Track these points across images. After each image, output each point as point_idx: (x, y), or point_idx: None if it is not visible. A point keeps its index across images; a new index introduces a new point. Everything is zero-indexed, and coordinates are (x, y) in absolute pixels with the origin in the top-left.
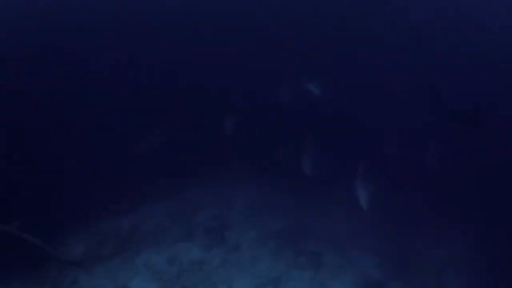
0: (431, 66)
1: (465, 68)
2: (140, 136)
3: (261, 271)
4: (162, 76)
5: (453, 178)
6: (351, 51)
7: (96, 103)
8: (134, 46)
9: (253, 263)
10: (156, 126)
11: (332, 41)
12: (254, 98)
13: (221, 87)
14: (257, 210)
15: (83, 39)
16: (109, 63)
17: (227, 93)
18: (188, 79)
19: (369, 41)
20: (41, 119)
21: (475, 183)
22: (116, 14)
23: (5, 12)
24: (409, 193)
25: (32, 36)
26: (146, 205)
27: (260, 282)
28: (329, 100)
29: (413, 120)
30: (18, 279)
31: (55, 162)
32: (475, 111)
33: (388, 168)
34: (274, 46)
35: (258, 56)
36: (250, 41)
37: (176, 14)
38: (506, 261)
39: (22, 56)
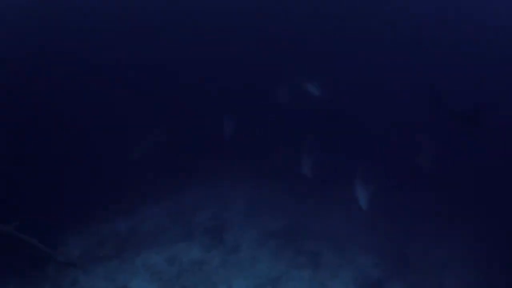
0: (431, 66)
1: (465, 68)
2: (139, 136)
3: (261, 271)
4: (162, 76)
5: (453, 178)
6: (351, 51)
7: (96, 103)
8: (134, 46)
9: (253, 263)
10: (156, 126)
11: (332, 41)
12: (254, 98)
13: (221, 87)
14: (257, 210)
15: (83, 39)
16: (109, 63)
17: (226, 93)
18: (188, 79)
19: (369, 41)
20: (41, 119)
21: (475, 183)
22: (116, 14)
23: (5, 12)
24: (409, 193)
25: (32, 36)
26: (146, 205)
27: (260, 282)
28: (329, 100)
29: (413, 120)
30: (17, 280)
31: (54, 162)
32: (475, 111)
33: (388, 168)
34: (274, 46)
35: (258, 56)
36: (250, 41)
37: (176, 14)
38: (506, 261)
39: (22, 56)
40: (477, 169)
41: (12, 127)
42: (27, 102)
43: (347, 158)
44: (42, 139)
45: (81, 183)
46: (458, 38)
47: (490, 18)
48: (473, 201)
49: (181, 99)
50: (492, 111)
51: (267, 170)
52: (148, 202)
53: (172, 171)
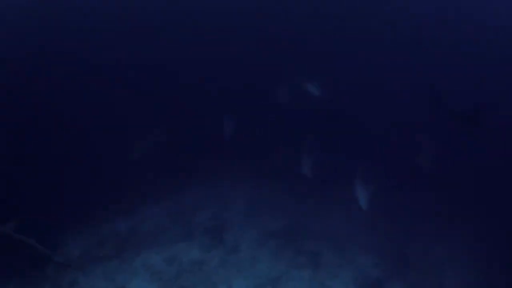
0: (431, 66)
1: (465, 68)
2: (139, 136)
3: (261, 271)
4: (162, 76)
5: (453, 178)
6: (351, 51)
7: (96, 103)
8: (134, 46)
9: (253, 263)
10: (156, 126)
11: (332, 41)
12: (254, 98)
13: (221, 87)
14: (257, 210)
15: (83, 39)
16: (109, 63)
17: (226, 93)
18: (188, 79)
19: (369, 41)
20: (41, 119)
21: (475, 183)
22: (116, 14)
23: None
24: (409, 193)
25: (32, 36)
26: (146, 205)
27: (260, 282)
28: (329, 100)
29: (413, 120)
30: (17, 280)
31: (54, 162)
32: (475, 111)
33: (388, 168)
34: (274, 46)
35: (258, 56)
36: (250, 41)
37: (176, 14)
38: (506, 261)
39: (22, 56)
40: (477, 169)
41: (12, 127)
42: (27, 102)
43: (347, 158)
44: (42, 139)
45: (81, 183)
46: (458, 38)
47: (490, 18)
48: (473, 201)
49: (181, 99)
50: (492, 111)
51: (267, 170)
52: (148, 202)
53: (172, 171)
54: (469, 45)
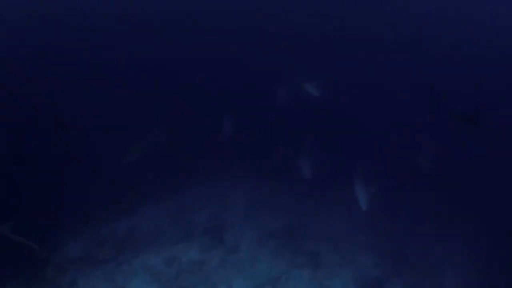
0: (431, 66)
1: (465, 68)
2: (139, 136)
3: (260, 271)
4: (162, 76)
5: (453, 178)
6: (351, 51)
7: (96, 103)
8: (134, 46)
9: (252, 263)
10: (156, 126)
11: (332, 41)
12: (253, 98)
13: (221, 87)
14: (256, 210)
15: (83, 39)
16: (109, 63)
17: (226, 93)
18: (188, 79)
19: (369, 41)
20: (41, 119)
21: (475, 183)
22: (116, 14)
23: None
24: (409, 193)
25: (32, 36)
26: (146, 206)
27: (260, 282)
28: (329, 100)
29: (413, 120)
30: (16, 281)
31: (54, 162)
32: (475, 111)
33: (388, 168)
34: (274, 46)
35: (258, 56)
36: (250, 41)
37: (176, 14)
38: (506, 261)
39: (22, 56)
40: (477, 169)
41: (12, 127)
42: (27, 102)
43: (347, 158)
44: (42, 139)
45: (81, 183)
46: (458, 38)
47: (490, 18)
48: (473, 201)
49: (181, 99)
50: (492, 111)
51: (267, 170)
52: (148, 202)
53: (172, 171)
54: (469, 45)
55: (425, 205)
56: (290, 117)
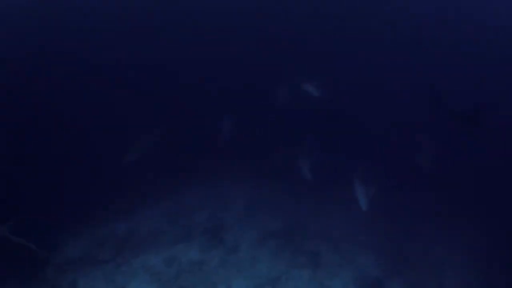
0: (431, 66)
1: (465, 68)
2: (139, 136)
3: (260, 271)
4: (162, 76)
5: (453, 178)
6: (351, 51)
7: (96, 103)
8: (134, 46)
9: (252, 263)
10: (156, 126)
11: (332, 41)
12: (253, 98)
13: (221, 87)
14: (256, 210)
15: (83, 39)
16: (109, 63)
17: (226, 93)
18: (188, 79)
19: (369, 41)
20: (41, 119)
21: (475, 183)
22: (116, 14)
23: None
24: (409, 193)
25: (32, 36)
26: (146, 206)
27: (260, 282)
28: (329, 100)
29: (413, 120)
30: (16, 282)
31: (54, 162)
32: (475, 111)
33: (388, 168)
34: (274, 46)
35: (258, 56)
36: (250, 41)
37: (176, 14)
38: (506, 261)
39: (22, 56)
40: (477, 169)
41: (12, 127)
42: (27, 102)
43: (347, 158)
44: (42, 139)
45: (81, 184)
46: (458, 38)
47: (490, 18)
48: (473, 201)
49: (181, 99)
50: (492, 111)
51: (267, 170)
52: (148, 202)
53: (172, 171)
54: (469, 45)
55: (425, 205)
56: (290, 117)
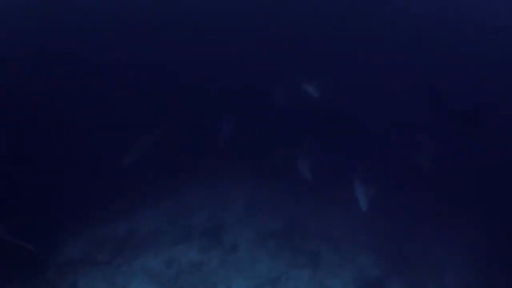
0: (431, 66)
1: (465, 68)
2: (139, 136)
3: (260, 271)
4: (162, 76)
5: (453, 178)
6: (351, 51)
7: (96, 103)
8: (134, 46)
9: (252, 263)
10: (156, 126)
11: (332, 41)
12: (253, 98)
13: (221, 87)
14: (256, 211)
15: (83, 39)
16: (109, 63)
17: (226, 93)
18: (188, 79)
19: (369, 41)
20: (41, 119)
21: (475, 183)
22: (116, 14)
23: (5, 12)
24: (409, 193)
25: (32, 36)
26: (146, 206)
27: (260, 282)
28: (329, 100)
29: (413, 120)
30: (16, 283)
31: (54, 162)
32: (475, 111)
33: (388, 168)
34: (274, 46)
35: (258, 56)
36: (250, 41)
37: (176, 14)
38: (506, 261)
39: (22, 56)
40: (477, 169)
41: (12, 127)
42: (27, 102)
43: (347, 158)
44: (42, 139)
45: (81, 184)
46: (458, 38)
47: (490, 18)
48: (473, 201)
49: (181, 99)
50: (492, 111)
51: (267, 170)
52: (148, 202)
53: (172, 171)
54: (469, 45)
55: (425, 205)
56: (290, 117)
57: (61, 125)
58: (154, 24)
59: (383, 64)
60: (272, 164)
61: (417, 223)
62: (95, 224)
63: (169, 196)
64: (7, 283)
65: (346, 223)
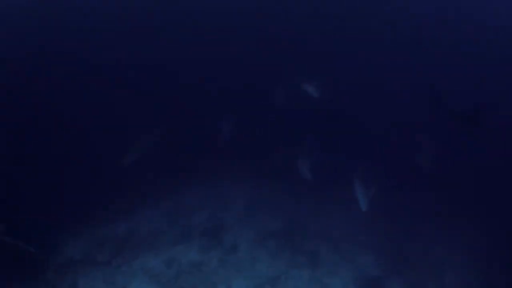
0: (431, 66)
1: (465, 68)
2: (139, 136)
3: (260, 271)
4: (162, 76)
5: (453, 178)
6: (351, 51)
7: (96, 103)
8: (134, 46)
9: (252, 263)
10: (156, 126)
11: (332, 41)
12: (254, 98)
13: (221, 87)
14: (256, 211)
15: (83, 39)
16: (109, 63)
17: (226, 93)
18: (188, 79)
19: (369, 41)
20: (41, 119)
21: (475, 183)
22: (116, 14)
23: (5, 12)
24: (409, 193)
25: (32, 36)
26: (146, 206)
27: (259, 282)
28: (329, 100)
29: (413, 120)
30: (16, 283)
31: (54, 162)
32: (475, 111)
33: (388, 168)
34: (274, 46)
35: (258, 56)
36: (250, 41)
37: (176, 14)
38: (506, 261)
39: (22, 56)
40: (477, 169)
41: (12, 127)
42: (27, 102)
43: (347, 158)
44: (42, 139)
45: (81, 184)
46: (458, 38)
47: (490, 18)
48: (473, 201)
49: (181, 99)
50: (492, 111)
51: (267, 170)
52: (148, 202)
53: (172, 171)
54: (469, 45)
55: (425, 205)
56: (290, 117)
57: (61, 125)
58: (154, 24)
59: (383, 64)
60: (272, 164)
61: (417, 223)
62: (95, 224)
63: (169, 196)
64: (7, 283)
65: (346, 223)
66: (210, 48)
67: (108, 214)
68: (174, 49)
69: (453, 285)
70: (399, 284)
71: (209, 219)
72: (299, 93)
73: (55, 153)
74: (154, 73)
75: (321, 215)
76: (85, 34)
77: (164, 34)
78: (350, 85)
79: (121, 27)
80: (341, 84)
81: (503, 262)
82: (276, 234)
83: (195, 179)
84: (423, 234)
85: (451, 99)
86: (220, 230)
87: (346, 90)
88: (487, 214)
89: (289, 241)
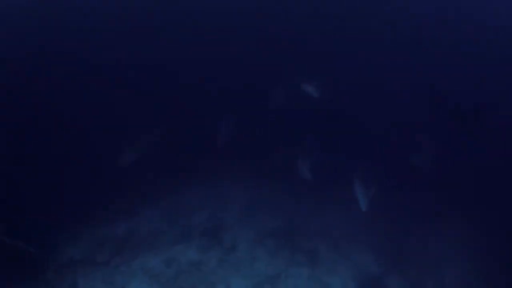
0: (431, 66)
1: (465, 68)
2: (139, 136)
3: (259, 270)
4: (162, 76)
5: (453, 178)
6: (351, 51)
7: (96, 103)
8: (134, 46)
9: (251, 262)
10: (156, 126)
11: (332, 41)
12: (253, 98)
13: (221, 87)
14: (256, 211)
15: (83, 39)
16: (109, 63)
17: (226, 93)
18: (188, 79)
19: (369, 41)
20: (41, 119)
21: (475, 183)
22: (116, 14)
23: (5, 12)
24: (409, 193)
25: (32, 36)
26: (145, 206)
27: (259, 281)
28: (329, 100)
29: (413, 120)
30: (15, 283)
31: (54, 162)
32: (475, 111)
33: (388, 168)
34: (274, 46)
35: (258, 56)
36: (250, 41)
37: (176, 14)
38: (506, 261)
39: (22, 56)
40: (477, 169)
41: (12, 127)
42: (27, 102)
43: (347, 158)
44: (42, 139)
45: (81, 184)
46: (458, 38)
47: (490, 18)
48: (473, 201)
49: (181, 99)
50: (492, 111)
51: (267, 170)
52: (148, 202)
53: (172, 171)
54: (469, 45)
55: (425, 205)
56: (290, 117)
57: (61, 125)
58: (154, 24)
59: (383, 64)
60: (272, 164)
61: (417, 223)
62: (95, 224)
63: (169, 196)
64: (7, 283)
65: (346, 223)
66: (210, 48)
67: (108, 214)
68: (174, 49)
69: (452, 285)
70: (399, 283)
71: (209, 219)
72: (299, 93)
73: (55, 153)
74: (154, 73)
75: (321, 215)
76: (85, 34)
77: (164, 34)
78: (350, 85)
79: (121, 27)
80: (341, 84)
81: (503, 262)
82: (276, 234)
83: (195, 179)
84: (423, 234)
85: (451, 99)
86: (220, 230)
87: (346, 90)
88: (487, 214)
89: (289, 240)
